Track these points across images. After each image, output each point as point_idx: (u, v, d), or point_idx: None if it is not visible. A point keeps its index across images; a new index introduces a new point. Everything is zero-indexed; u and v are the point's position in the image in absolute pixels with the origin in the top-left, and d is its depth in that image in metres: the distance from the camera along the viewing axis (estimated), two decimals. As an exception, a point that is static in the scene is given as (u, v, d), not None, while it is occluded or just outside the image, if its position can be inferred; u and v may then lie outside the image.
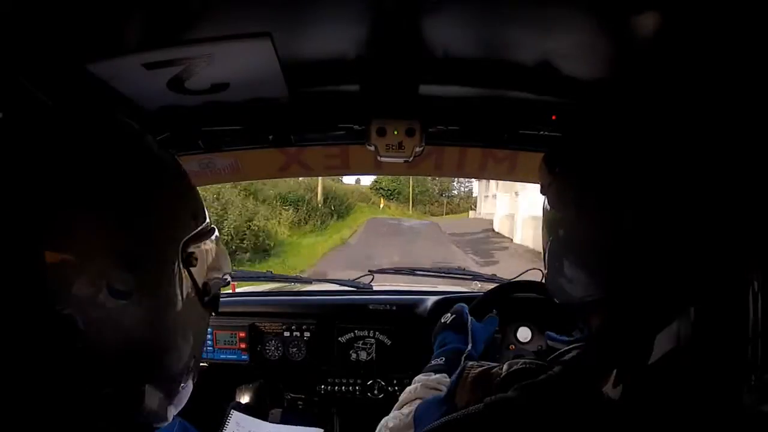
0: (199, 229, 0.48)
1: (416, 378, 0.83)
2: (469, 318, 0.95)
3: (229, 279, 0.54)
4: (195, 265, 0.46)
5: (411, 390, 0.79)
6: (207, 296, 0.49)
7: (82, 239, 0.37)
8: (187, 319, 0.47)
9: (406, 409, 0.73)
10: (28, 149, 0.37)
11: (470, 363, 0.61)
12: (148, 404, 0.44)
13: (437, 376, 0.81)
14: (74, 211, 0.37)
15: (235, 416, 1.22)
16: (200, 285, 0.47)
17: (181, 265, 0.45)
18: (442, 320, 0.99)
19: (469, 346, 0.89)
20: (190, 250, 0.45)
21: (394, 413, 0.74)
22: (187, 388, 0.50)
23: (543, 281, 0.60)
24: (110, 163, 0.41)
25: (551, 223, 0.53)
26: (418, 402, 0.74)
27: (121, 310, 0.39)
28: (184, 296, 0.45)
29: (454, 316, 0.98)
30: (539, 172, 0.56)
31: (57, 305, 0.36)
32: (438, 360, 0.87)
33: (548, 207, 0.54)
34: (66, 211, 0.37)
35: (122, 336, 0.40)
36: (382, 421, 0.74)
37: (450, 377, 0.78)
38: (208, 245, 0.49)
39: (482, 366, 0.60)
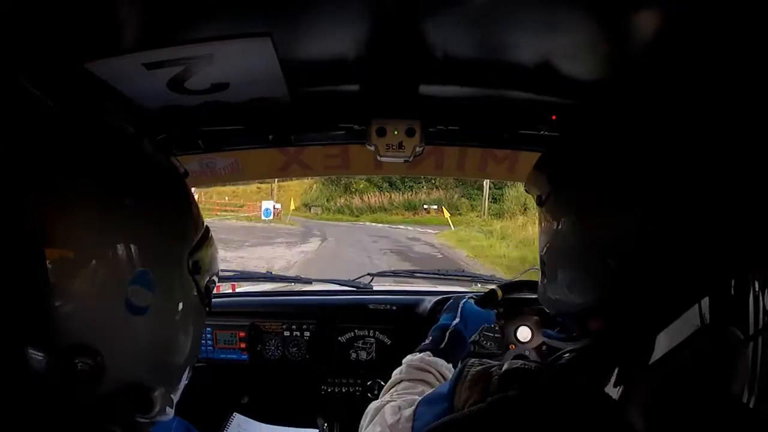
0: (200, 234, 0.50)
1: (404, 359, 0.86)
2: (464, 300, 1.00)
3: (217, 278, 0.56)
4: (200, 273, 0.48)
5: (397, 372, 0.83)
6: (208, 298, 0.51)
7: (95, 259, 0.39)
8: (192, 323, 0.49)
9: (403, 407, 0.72)
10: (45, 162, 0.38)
11: (471, 361, 0.61)
12: (156, 407, 0.45)
13: (421, 354, 0.85)
14: (88, 233, 0.39)
15: (237, 419, 1.21)
16: (203, 290, 0.49)
17: (189, 275, 0.47)
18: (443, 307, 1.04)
19: (456, 320, 0.93)
20: (195, 258, 0.47)
21: (386, 403, 0.74)
22: (185, 381, 0.52)
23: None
24: (121, 181, 0.42)
25: (551, 233, 0.53)
26: (404, 383, 0.78)
27: (138, 325, 0.41)
28: (191, 303, 0.48)
29: (451, 299, 1.03)
30: (535, 183, 0.56)
31: (71, 325, 0.37)
32: (426, 341, 0.91)
33: (548, 217, 0.53)
34: (79, 235, 0.38)
35: (137, 349, 0.42)
36: (372, 405, 0.75)
37: (435, 356, 0.84)
38: (208, 249, 0.51)
39: (482, 364, 0.59)
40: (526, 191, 0.62)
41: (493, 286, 1.10)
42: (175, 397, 0.50)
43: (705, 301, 0.40)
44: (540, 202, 0.55)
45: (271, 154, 1.27)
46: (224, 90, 0.79)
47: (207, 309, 0.52)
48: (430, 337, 0.92)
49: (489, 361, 0.61)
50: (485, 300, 1.07)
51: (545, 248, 0.54)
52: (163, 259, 0.44)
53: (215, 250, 0.54)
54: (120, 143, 0.45)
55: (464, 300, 1.01)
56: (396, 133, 0.95)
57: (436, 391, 0.65)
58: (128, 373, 0.42)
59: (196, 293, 0.48)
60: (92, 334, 0.38)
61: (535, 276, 1.36)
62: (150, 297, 0.42)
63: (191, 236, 0.48)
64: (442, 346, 0.88)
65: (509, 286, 1.13)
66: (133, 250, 0.41)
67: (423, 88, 0.87)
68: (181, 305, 0.46)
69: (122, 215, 0.41)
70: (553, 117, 0.91)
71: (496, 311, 1.22)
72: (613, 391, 0.44)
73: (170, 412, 0.49)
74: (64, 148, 0.40)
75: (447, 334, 0.91)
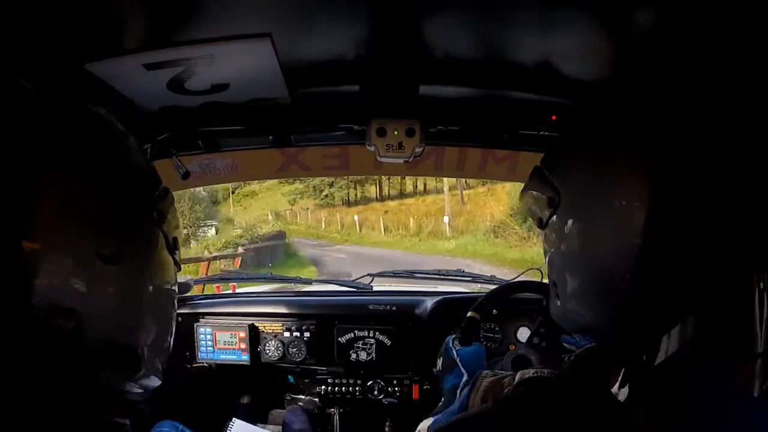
0: (160, 188, 0.50)
1: (419, 425, 0.83)
2: (454, 351, 0.95)
3: (181, 235, 0.57)
4: (164, 222, 0.49)
5: None
6: (176, 251, 0.52)
7: (59, 217, 0.38)
8: (165, 275, 0.50)
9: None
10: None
11: (484, 372, 0.61)
12: (142, 368, 0.45)
13: (433, 417, 0.82)
14: (49, 191, 0.38)
15: (237, 425, 1.21)
16: (171, 240, 0.50)
17: (155, 223, 0.48)
18: (434, 370, 0.99)
19: (464, 377, 0.89)
20: (160, 208, 0.48)
21: None
22: (169, 348, 0.53)
23: (543, 282, 0.59)
24: (76, 138, 0.42)
25: (558, 253, 0.52)
26: None
27: (110, 276, 0.41)
28: (161, 253, 0.49)
29: (440, 359, 0.98)
30: (532, 205, 0.54)
31: (44, 287, 0.36)
32: (440, 403, 0.89)
33: (553, 237, 0.52)
34: (41, 192, 0.37)
35: (114, 302, 0.42)
36: None
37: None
38: (170, 202, 0.52)
39: (495, 375, 0.60)
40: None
41: (468, 312, 1.05)
42: (162, 367, 0.50)
43: (709, 304, 0.40)
44: (541, 225, 0.53)
45: (270, 154, 1.27)
46: (224, 90, 0.79)
47: (177, 266, 0.53)
48: (443, 399, 0.89)
49: (502, 372, 0.61)
50: (467, 333, 1.02)
51: (554, 269, 0.53)
52: (130, 210, 0.45)
53: (176, 209, 0.55)
54: (72, 106, 0.45)
55: (453, 349, 0.95)
56: (396, 133, 0.95)
57: (448, 412, 0.65)
58: (108, 330, 0.41)
59: (164, 245, 0.49)
60: (67, 291, 0.38)
61: (534, 276, 1.36)
62: (120, 245, 0.42)
63: (152, 186, 0.49)
64: None
65: (481, 305, 1.08)
66: (99, 202, 0.41)
67: (423, 88, 0.87)
68: (153, 256, 0.47)
69: (83, 170, 0.41)
70: (553, 117, 0.91)
71: (495, 313, 1.22)
72: (619, 392, 0.44)
73: (156, 380, 0.49)
74: (22, 111, 0.39)
75: (459, 392, 0.87)
